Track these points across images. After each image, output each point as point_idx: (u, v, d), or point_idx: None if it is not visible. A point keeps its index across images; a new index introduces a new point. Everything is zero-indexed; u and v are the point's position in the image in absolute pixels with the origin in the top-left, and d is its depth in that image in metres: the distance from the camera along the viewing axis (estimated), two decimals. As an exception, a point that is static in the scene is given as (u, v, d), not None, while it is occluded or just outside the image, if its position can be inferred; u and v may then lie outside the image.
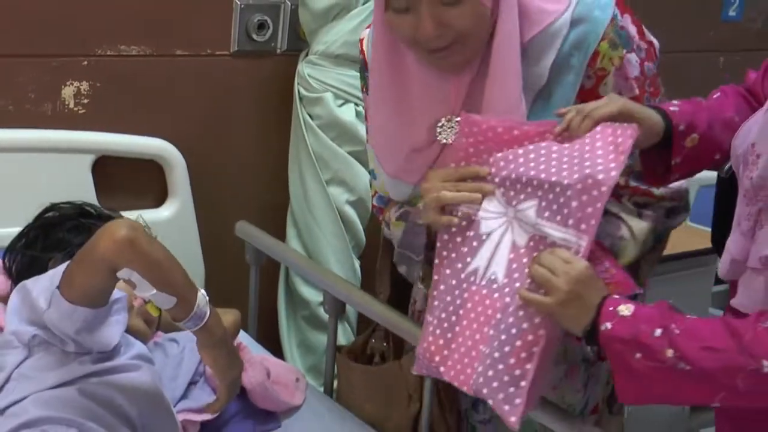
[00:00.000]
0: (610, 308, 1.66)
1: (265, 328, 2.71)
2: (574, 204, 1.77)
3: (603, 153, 1.77)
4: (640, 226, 1.98)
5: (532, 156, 1.86)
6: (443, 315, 1.95)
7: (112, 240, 1.76)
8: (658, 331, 1.62)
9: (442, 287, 1.96)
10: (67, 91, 2.58)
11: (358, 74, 2.25)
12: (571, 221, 1.78)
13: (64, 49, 2.55)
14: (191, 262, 2.70)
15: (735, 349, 1.58)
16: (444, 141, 2.02)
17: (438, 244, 1.97)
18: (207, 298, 1.87)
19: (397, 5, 1.88)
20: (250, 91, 2.83)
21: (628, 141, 1.76)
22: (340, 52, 2.67)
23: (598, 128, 1.81)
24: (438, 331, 1.96)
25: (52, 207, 2.31)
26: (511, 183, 1.88)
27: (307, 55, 2.76)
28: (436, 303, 1.97)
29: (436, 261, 1.97)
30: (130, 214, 2.40)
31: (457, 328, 1.93)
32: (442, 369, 1.94)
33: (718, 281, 3.31)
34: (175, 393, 2.16)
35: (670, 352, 1.61)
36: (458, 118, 1.97)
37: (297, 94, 2.76)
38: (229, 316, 2.21)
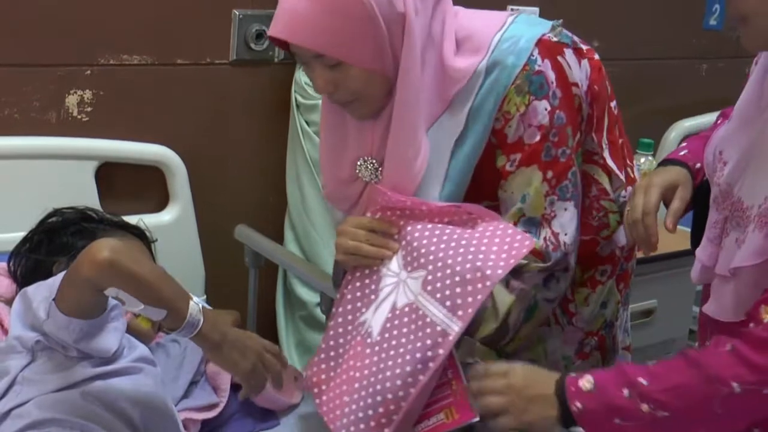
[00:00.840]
0: (572, 389, 1.66)
1: (264, 328, 2.70)
2: (458, 290, 1.81)
3: (497, 251, 1.82)
4: (503, 299, 1.93)
5: (437, 233, 1.90)
6: (332, 353, 2.01)
7: (94, 262, 1.74)
8: (626, 391, 1.61)
9: (339, 320, 2.01)
10: (71, 100, 2.57)
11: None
12: (448, 303, 1.81)
13: (68, 58, 2.54)
14: (192, 264, 2.70)
15: (702, 380, 1.57)
16: (365, 179, 2.02)
17: (344, 280, 2.02)
18: (200, 306, 1.83)
19: (299, 60, 1.93)
20: (249, 99, 2.82)
21: (522, 251, 1.82)
22: (335, 60, 2.66)
23: (501, 225, 1.87)
24: (323, 366, 2.01)
25: (56, 212, 2.30)
26: (410, 249, 1.92)
27: (303, 63, 2.75)
28: (330, 333, 2.02)
29: (338, 295, 2.02)
30: (132, 219, 2.39)
31: (339, 370, 1.98)
32: (317, 401, 1.99)
33: (701, 280, 3.32)
34: (177, 392, 2.15)
35: (645, 407, 1.59)
36: (374, 160, 1.99)
37: (294, 101, 2.75)
38: (228, 317, 2.21)
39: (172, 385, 2.14)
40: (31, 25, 2.47)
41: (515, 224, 1.95)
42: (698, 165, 1.91)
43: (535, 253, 1.95)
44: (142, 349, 2.04)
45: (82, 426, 1.84)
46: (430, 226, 1.92)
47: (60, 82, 2.55)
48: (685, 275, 3.03)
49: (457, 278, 1.82)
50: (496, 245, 1.83)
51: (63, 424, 1.83)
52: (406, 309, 1.88)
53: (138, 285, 1.76)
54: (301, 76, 2.73)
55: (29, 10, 2.45)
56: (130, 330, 2.02)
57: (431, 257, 1.88)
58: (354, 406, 1.87)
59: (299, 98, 2.74)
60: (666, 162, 1.96)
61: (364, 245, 1.97)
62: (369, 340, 1.92)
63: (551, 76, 1.93)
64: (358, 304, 2.00)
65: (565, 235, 1.98)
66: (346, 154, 2.05)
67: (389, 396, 1.83)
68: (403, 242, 1.95)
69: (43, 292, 1.91)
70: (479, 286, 1.80)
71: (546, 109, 1.93)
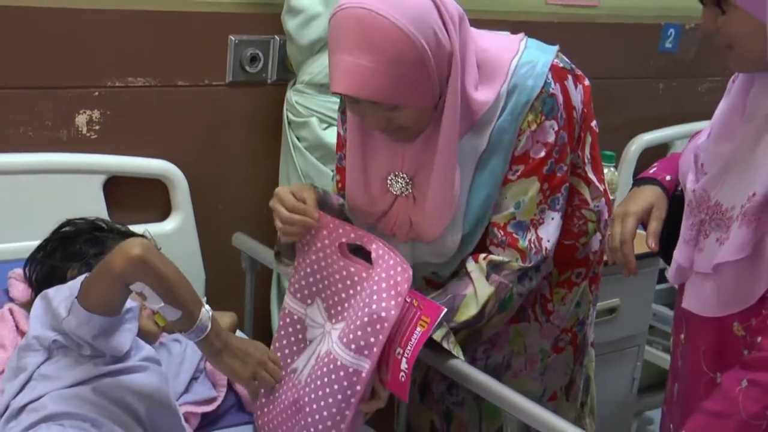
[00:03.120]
0: None
1: (260, 328, 2.69)
2: (359, 333, 1.86)
3: (386, 289, 1.87)
4: (483, 289, 1.97)
5: (348, 283, 1.97)
6: (270, 397, 2.06)
7: (128, 257, 1.75)
8: None
9: (278, 355, 2.06)
10: (81, 119, 2.56)
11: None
12: (353, 346, 1.87)
13: (77, 81, 2.53)
14: (193, 270, 2.69)
15: (741, 426, 1.56)
16: (395, 192, 2.02)
17: (277, 333, 2.08)
18: (210, 313, 1.86)
19: (349, 102, 1.90)
20: (244, 117, 2.82)
21: (405, 285, 1.87)
22: (323, 81, 2.65)
23: (386, 258, 1.91)
24: (265, 409, 2.07)
25: (68, 222, 2.30)
26: (332, 303, 1.99)
27: (294, 84, 2.74)
28: None
29: (275, 344, 2.07)
30: (138, 228, 2.39)
31: (275, 412, 2.04)
32: (262, 431, 2.08)
33: (661, 281, 3.32)
34: (178, 388, 2.16)
35: None
36: (405, 174, 2.00)
37: (286, 119, 2.75)
38: (226, 318, 2.23)
39: (174, 381, 2.14)
40: (45, 51, 2.46)
41: (506, 225, 1.98)
42: (668, 177, 1.92)
43: (519, 252, 1.96)
44: (148, 350, 2.03)
45: (93, 420, 1.84)
46: (344, 273, 1.97)
47: (70, 102, 2.54)
48: (646, 276, 3.07)
49: (358, 322, 1.88)
50: (383, 284, 1.88)
51: (75, 417, 1.83)
52: (326, 359, 1.93)
53: (162, 283, 1.78)
54: (292, 96, 2.73)
55: (43, 38, 2.45)
56: (139, 331, 2.01)
57: (349, 309, 1.94)
58: None
59: (290, 116, 2.73)
60: (639, 181, 1.97)
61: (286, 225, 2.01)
62: (299, 386, 1.98)
63: (560, 99, 1.95)
64: (287, 351, 2.05)
65: (548, 242, 2.00)
66: (376, 169, 2.04)
67: None
68: (323, 295, 2.01)
69: (63, 293, 1.91)
70: (378, 327, 1.86)
71: (553, 129, 1.94)
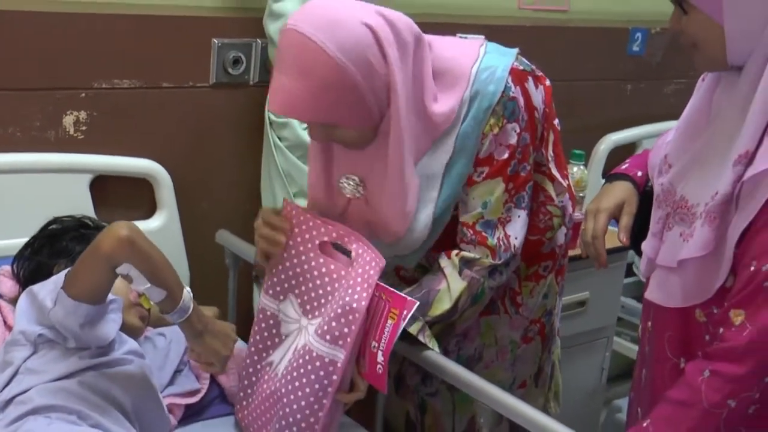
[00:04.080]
0: None
1: (242, 322, 2.67)
2: (333, 324, 1.87)
3: (360, 283, 1.89)
4: (456, 284, 1.97)
5: (327, 279, 1.98)
6: (248, 391, 2.09)
7: (116, 238, 1.76)
8: None
9: (248, 362, 2.09)
10: (68, 120, 2.54)
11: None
12: (328, 337, 1.88)
13: (65, 83, 2.51)
14: (177, 265, 2.62)
15: (704, 414, 1.56)
16: (347, 195, 2.03)
17: (252, 330, 2.09)
18: (191, 295, 1.88)
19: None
20: (227, 118, 2.80)
21: (374, 276, 1.88)
22: (303, 83, 2.65)
23: (364, 255, 1.92)
24: (244, 403, 2.09)
25: (56, 220, 2.28)
26: (306, 299, 1.99)
27: (275, 86, 2.73)
28: (243, 374, 2.10)
29: (251, 339, 2.08)
30: (124, 226, 2.37)
31: (253, 405, 2.05)
32: (242, 423, 2.09)
33: (629, 274, 3.33)
34: (163, 380, 2.15)
35: None
36: (355, 177, 2.00)
37: (267, 119, 2.73)
38: (209, 312, 2.22)
39: (158, 373, 2.13)
40: (33, 54, 2.44)
41: (474, 224, 1.98)
42: (639, 173, 1.93)
43: (489, 249, 1.96)
44: (132, 343, 2.02)
45: (79, 412, 1.82)
46: (323, 270, 1.98)
47: (58, 104, 2.52)
48: (615, 270, 3.07)
49: (332, 314, 1.88)
50: (358, 275, 1.89)
51: (62, 409, 1.81)
52: (302, 351, 1.94)
53: (149, 264, 1.79)
54: (273, 98, 2.72)
55: (31, 41, 2.43)
56: (123, 327, 2.00)
57: (327, 305, 1.94)
58: None
59: (272, 117, 2.72)
60: (611, 177, 1.98)
61: (263, 227, 2.03)
62: (275, 378, 1.98)
63: (521, 101, 1.95)
64: (261, 346, 2.06)
65: (516, 239, 2.00)
66: (331, 173, 2.05)
67: (303, 424, 1.90)
68: (297, 291, 2.01)
69: (48, 286, 1.89)
70: (350, 318, 1.86)
71: (515, 131, 1.94)
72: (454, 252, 2.00)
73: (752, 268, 1.54)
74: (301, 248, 1.99)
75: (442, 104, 1.92)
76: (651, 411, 1.66)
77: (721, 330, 1.57)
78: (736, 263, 1.58)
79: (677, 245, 1.67)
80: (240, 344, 2.36)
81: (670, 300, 1.71)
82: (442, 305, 1.97)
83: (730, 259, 1.59)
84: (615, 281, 3.15)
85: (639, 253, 1.86)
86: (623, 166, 1.99)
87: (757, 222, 1.55)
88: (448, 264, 1.99)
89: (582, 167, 3.03)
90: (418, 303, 1.87)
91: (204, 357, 1.98)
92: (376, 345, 1.87)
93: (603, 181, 2.02)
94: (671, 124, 1.86)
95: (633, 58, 3.73)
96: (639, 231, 1.88)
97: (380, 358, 1.86)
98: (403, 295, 1.89)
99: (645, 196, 1.90)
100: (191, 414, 2.17)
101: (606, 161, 3.57)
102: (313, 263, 1.98)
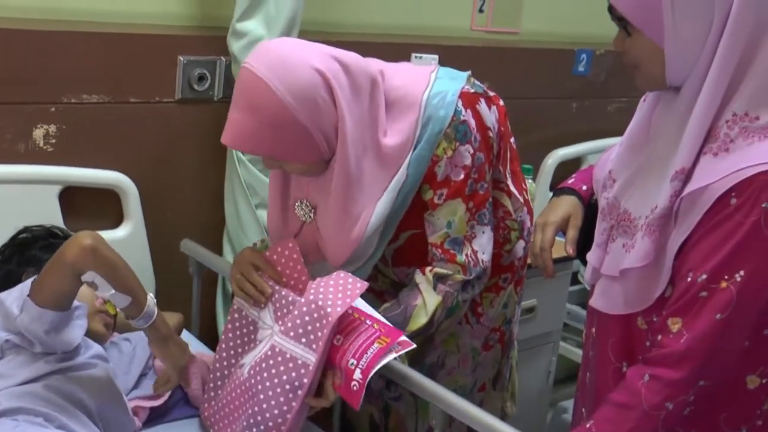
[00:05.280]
0: None
1: (206, 328, 2.67)
2: (309, 327, 1.86)
3: (335, 292, 1.87)
4: (431, 299, 1.98)
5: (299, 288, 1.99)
6: (216, 392, 2.08)
7: (80, 247, 1.75)
8: None
9: (217, 365, 2.08)
10: (38, 133, 2.51)
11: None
12: (303, 339, 1.86)
13: (35, 97, 2.49)
14: (143, 274, 2.65)
15: (643, 416, 1.58)
16: (301, 218, 2.04)
17: (225, 329, 2.08)
18: (155, 300, 1.87)
19: None
20: (192, 132, 2.79)
21: (356, 293, 1.88)
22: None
23: (342, 275, 1.92)
24: (212, 402, 2.07)
25: (26, 229, 2.26)
26: (279, 306, 1.98)
27: (238, 102, 2.72)
28: (212, 375, 2.09)
29: (224, 338, 2.07)
30: (91, 235, 2.34)
31: (221, 404, 2.03)
32: (207, 423, 2.08)
33: (574, 282, 3.34)
34: (128, 384, 2.13)
35: None
36: (308, 202, 2.01)
37: (231, 134, 2.72)
38: (174, 318, 2.22)
39: (123, 377, 2.11)
40: (4, 70, 2.41)
41: (442, 243, 1.98)
42: (584, 187, 1.94)
43: (460, 266, 1.98)
44: (97, 348, 2.00)
45: (46, 414, 1.80)
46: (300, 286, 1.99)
47: (28, 117, 2.49)
48: (561, 278, 3.09)
49: (306, 318, 1.87)
50: (335, 289, 1.88)
51: (29, 412, 1.79)
52: (270, 352, 1.92)
53: (112, 271, 1.78)
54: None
55: (3, 57, 2.40)
56: (88, 333, 1.98)
57: (294, 311, 1.93)
58: None
59: (235, 131, 2.71)
60: (558, 191, 1.99)
61: (246, 283, 2.01)
62: (242, 378, 1.96)
63: (473, 123, 1.95)
64: (239, 350, 2.05)
65: (483, 254, 2.01)
66: (287, 196, 2.06)
67: (270, 424, 1.89)
68: (273, 298, 1.99)
69: (14, 293, 1.87)
70: (324, 321, 1.85)
71: (469, 152, 1.95)
72: (428, 268, 2.00)
73: (689, 279, 1.56)
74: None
75: (394, 137, 1.93)
76: (594, 412, 1.67)
77: (660, 337, 1.59)
78: (675, 274, 1.60)
79: (620, 256, 1.68)
80: (204, 351, 2.35)
81: (612, 307, 1.72)
82: (418, 320, 1.98)
83: (669, 270, 1.60)
84: (561, 289, 3.16)
85: (584, 262, 1.86)
86: (569, 181, 2.00)
87: (694, 236, 1.56)
88: (422, 280, 2.00)
89: (530, 181, 3.05)
90: (414, 346, 1.88)
91: (166, 362, 1.98)
92: (355, 363, 1.84)
93: (550, 193, 2.03)
94: (614, 140, 1.87)
95: (578, 78, 3.76)
96: (584, 241, 1.89)
97: (358, 375, 1.83)
98: (396, 329, 1.89)
99: (590, 209, 1.91)
100: (156, 416, 2.15)
101: (553, 175, 3.59)
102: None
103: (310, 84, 1.80)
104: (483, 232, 2.02)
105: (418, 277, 2.01)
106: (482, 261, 2.01)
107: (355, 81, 1.86)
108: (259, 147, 1.85)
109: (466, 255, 1.99)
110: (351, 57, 1.88)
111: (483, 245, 2.02)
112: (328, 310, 1.85)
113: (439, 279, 1.99)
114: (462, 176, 1.95)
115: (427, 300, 1.98)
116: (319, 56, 1.83)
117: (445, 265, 1.99)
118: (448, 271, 1.99)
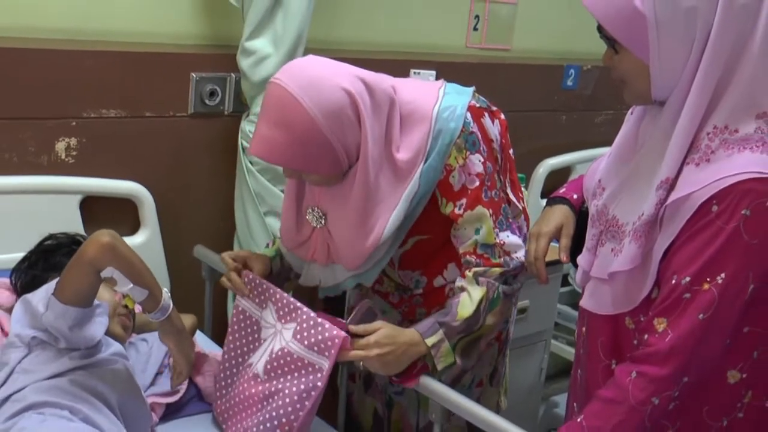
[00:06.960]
0: None
1: (218, 330, 2.67)
2: (320, 337, 1.90)
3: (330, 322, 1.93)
4: (475, 291, 1.97)
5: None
6: (226, 390, 2.09)
7: (99, 244, 1.76)
8: None
9: (227, 364, 2.10)
10: (60, 146, 2.52)
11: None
12: (316, 348, 1.90)
13: (57, 112, 2.50)
14: (159, 278, 2.57)
15: (630, 411, 1.59)
16: (312, 224, 2.04)
17: (229, 330, 2.11)
18: (169, 294, 1.90)
19: None
20: (204, 144, 2.80)
21: (334, 350, 1.90)
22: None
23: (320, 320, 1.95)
24: (224, 399, 2.08)
25: (50, 236, 2.27)
26: (281, 305, 2.00)
27: (248, 115, 2.74)
28: (221, 375, 2.11)
29: (229, 339, 2.11)
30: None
31: (233, 402, 2.05)
32: (224, 426, 2.07)
33: (564, 284, 3.35)
34: (145, 382, 2.14)
35: None
36: (319, 210, 2.02)
37: (240, 145, 2.74)
38: (188, 320, 2.22)
39: (141, 375, 2.12)
40: (28, 87, 2.43)
41: (475, 250, 1.98)
42: (575, 196, 1.95)
43: (494, 265, 1.98)
44: (117, 346, 2.01)
45: (71, 407, 1.81)
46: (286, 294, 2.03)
47: (51, 131, 2.50)
48: (552, 281, 3.08)
49: (320, 328, 1.92)
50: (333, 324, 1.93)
51: (54, 405, 1.80)
52: (280, 353, 1.95)
53: (130, 266, 1.80)
54: (245, 126, 2.72)
55: (27, 75, 2.42)
56: (108, 333, 1.98)
57: (300, 312, 1.95)
58: (255, 430, 1.94)
59: (244, 143, 2.72)
60: (551, 200, 1.99)
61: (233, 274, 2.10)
62: (258, 378, 1.98)
63: (480, 135, 1.96)
64: (245, 349, 2.07)
65: (515, 252, 1.99)
66: (301, 203, 2.06)
67: (284, 420, 1.91)
68: (273, 299, 2.01)
69: (40, 293, 1.89)
70: (336, 341, 1.89)
71: (480, 161, 1.95)
72: (466, 270, 2.00)
73: (673, 281, 1.57)
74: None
75: (406, 152, 1.94)
76: (585, 407, 1.68)
77: (646, 336, 1.60)
78: (660, 277, 1.61)
79: (608, 259, 1.69)
80: (217, 351, 2.36)
81: (601, 308, 1.73)
82: (465, 310, 1.96)
83: (654, 273, 1.61)
84: (552, 290, 3.17)
85: (575, 265, 1.88)
86: (561, 190, 2.01)
87: (678, 241, 1.57)
88: (463, 281, 1.99)
89: (523, 188, 3.06)
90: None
91: (179, 354, 2.00)
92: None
93: (542, 200, 2.04)
94: (601, 151, 1.88)
95: (567, 92, 3.78)
96: (575, 245, 1.90)
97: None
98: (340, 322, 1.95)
99: (581, 216, 1.93)
100: (171, 412, 2.16)
101: (544, 183, 3.60)
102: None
103: (338, 103, 1.82)
104: (508, 236, 2.01)
105: (459, 280, 2.00)
106: (516, 258, 2.01)
107: (377, 101, 1.88)
108: (286, 160, 1.86)
109: (500, 255, 1.99)
110: (372, 77, 1.90)
111: (512, 246, 2.01)
112: (335, 332, 1.90)
113: (479, 275, 1.98)
114: (477, 183, 1.96)
115: (471, 293, 1.97)
116: (347, 76, 1.85)
117: (482, 266, 1.99)
118: (486, 268, 1.99)
